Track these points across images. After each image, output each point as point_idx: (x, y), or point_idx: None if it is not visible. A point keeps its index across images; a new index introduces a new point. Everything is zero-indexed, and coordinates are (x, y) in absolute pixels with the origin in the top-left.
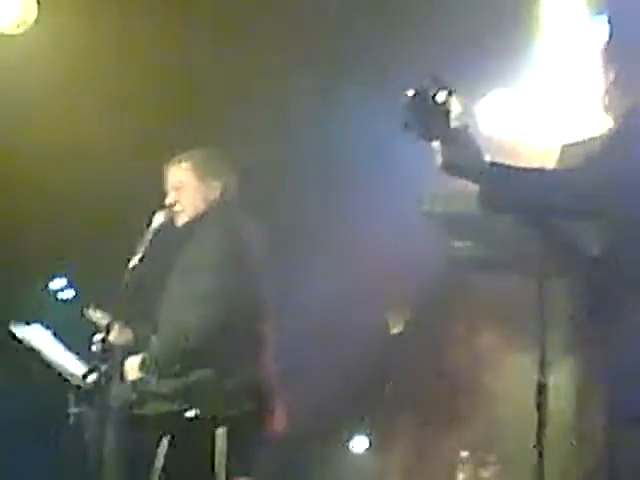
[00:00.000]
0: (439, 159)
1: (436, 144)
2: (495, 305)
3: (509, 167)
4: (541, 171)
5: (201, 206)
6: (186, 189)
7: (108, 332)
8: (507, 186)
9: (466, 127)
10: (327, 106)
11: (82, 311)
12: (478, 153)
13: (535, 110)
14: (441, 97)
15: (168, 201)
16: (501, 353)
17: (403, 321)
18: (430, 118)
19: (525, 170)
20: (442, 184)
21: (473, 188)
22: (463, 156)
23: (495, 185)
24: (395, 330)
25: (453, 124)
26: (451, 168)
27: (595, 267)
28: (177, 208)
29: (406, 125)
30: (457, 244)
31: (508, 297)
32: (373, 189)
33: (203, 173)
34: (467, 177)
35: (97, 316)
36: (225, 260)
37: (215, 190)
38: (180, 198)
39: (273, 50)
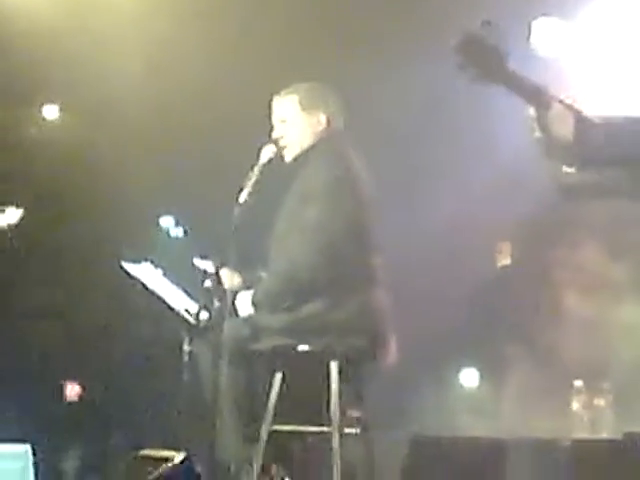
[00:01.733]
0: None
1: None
2: (608, 234)
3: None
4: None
5: (308, 138)
6: (292, 122)
7: (218, 278)
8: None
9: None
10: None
11: (192, 261)
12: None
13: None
14: (493, 38)
15: (275, 135)
16: (614, 283)
17: (511, 253)
18: (483, 59)
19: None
20: None
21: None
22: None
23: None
24: (503, 262)
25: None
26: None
27: None
28: (284, 142)
29: (461, 67)
30: (568, 170)
31: (621, 226)
32: (482, 115)
33: (308, 105)
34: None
35: (206, 264)
36: (334, 190)
37: (321, 122)
38: (287, 131)
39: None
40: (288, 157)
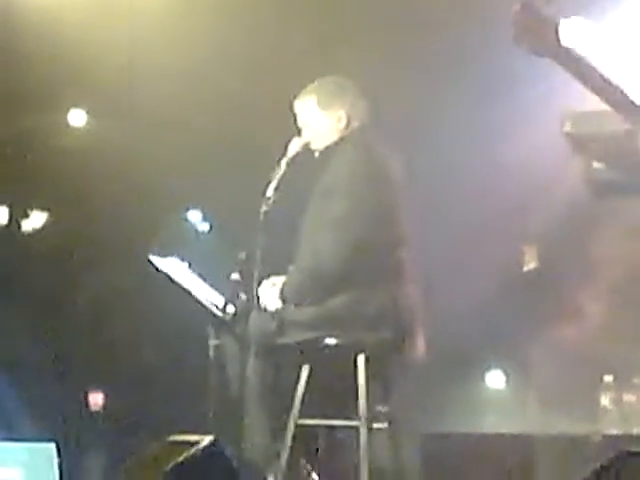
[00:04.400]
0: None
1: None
2: (637, 232)
3: None
4: None
5: (332, 136)
6: (314, 123)
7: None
8: None
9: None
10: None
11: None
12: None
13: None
14: (549, 10)
15: (301, 136)
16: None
17: (537, 255)
18: (538, 32)
19: None
20: (584, 103)
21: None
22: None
23: None
24: (529, 267)
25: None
26: None
27: None
28: (310, 140)
29: (516, 39)
30: (597, 165)
31: None
32: (510, 111)
33: (327, 104)
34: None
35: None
36: (359, 184)
37: (342, 118)
38: (311, 132)
39: None
40: (314, 153)
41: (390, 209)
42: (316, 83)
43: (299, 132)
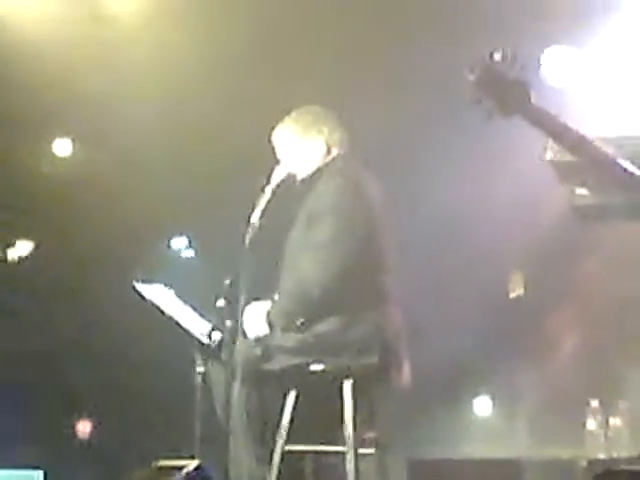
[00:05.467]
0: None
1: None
2: (621, 255)
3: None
4: None
5: (313, 163)
6: (294, 151)
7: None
8: None
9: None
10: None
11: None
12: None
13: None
14: (518, 69)
15: (282, 164)
16: (629, 302)
17: (524, 282)
18: (507, 93)
19: None
20: None
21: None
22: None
23: None
24: (515, 293)
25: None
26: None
27: None
28: (291, 168)
29: (478, 102)
30: (580, 191)
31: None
32: (493, 138)
33: (306, 132)
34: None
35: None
36: (342, 210)
37: (322, 146)
38: (291, 160)
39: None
40: (298, 180)
41: (373, 235)
42: (294, 113)
43: (278, 162)
